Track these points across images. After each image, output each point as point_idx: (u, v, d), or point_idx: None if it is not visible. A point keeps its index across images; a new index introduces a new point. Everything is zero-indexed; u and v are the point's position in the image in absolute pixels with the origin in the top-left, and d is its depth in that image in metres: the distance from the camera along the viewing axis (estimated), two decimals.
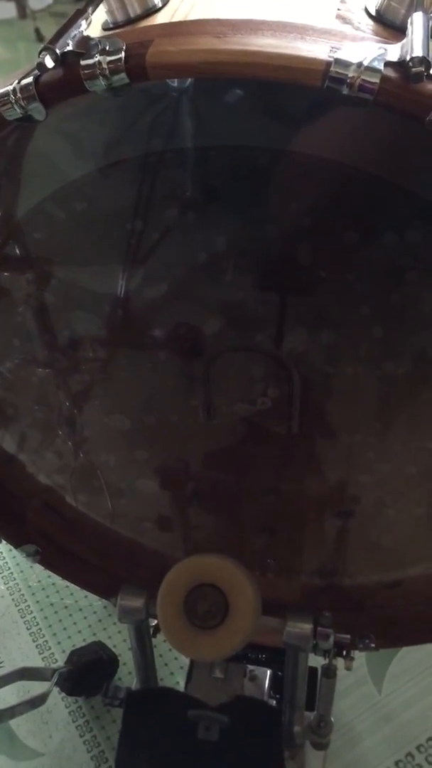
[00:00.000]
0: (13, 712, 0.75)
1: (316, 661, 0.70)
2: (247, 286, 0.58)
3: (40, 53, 0.41)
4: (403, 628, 0.69)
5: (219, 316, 0.59)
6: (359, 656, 0.95)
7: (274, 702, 0.79)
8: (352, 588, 0.72)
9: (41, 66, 0.41)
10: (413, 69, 0.38)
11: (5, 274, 0.63)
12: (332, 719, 0.74)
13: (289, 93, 0.44)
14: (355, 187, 0.50)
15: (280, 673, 0.76)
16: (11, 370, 0.69)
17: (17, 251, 0.62)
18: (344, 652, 0.69)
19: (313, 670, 0.72)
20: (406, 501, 0.67)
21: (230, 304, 0.59)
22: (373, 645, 0.68)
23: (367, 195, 0.50)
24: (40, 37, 2.71)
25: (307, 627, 0.66)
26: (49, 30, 2.74)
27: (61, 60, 0.41)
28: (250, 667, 0.80)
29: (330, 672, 0.70)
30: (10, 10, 2.92)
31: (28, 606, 1.05)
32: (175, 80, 0.49)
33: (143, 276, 0.60)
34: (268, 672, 0.81)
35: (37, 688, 0.80)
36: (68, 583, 0.77)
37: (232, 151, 0.53)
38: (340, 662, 0.69)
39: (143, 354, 0.64)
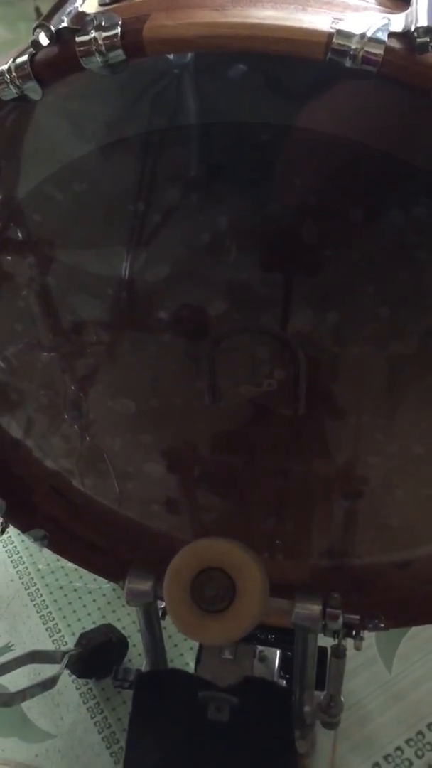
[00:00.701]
0: (24, 694, 0.76)
1: (326, 640, 0.70)
2: (252, 266, 0.57)
3: (34, 30, 0.40)
4: (412, 608, 0.69)
5: (223, 297, 0.59)
6: (369, 636, 0.95)
7: (284, 682, 0.79)
8: (362, 569, 0.72)
9: (36, 44, 0.40)
10: (418, 39, 0.37)
11: (7, 257, 0.63)
12: (342, 699, 0.74)
13: (293, 67, 0.43)
14: (360, 163, 0.49)
15: (289, 653, 0.76)
16: (15, 355, 0.69)
17: (19, 234, 0.61)
18: (354, 633, 0.69)
19: (322, 650, 0.72)
20: (414, 481, 0.66)
21: (234, 284, 0.58)
22: (382, 625, 0.68)
23: (372, 171, 0.49)
24: (40, 16, 2.67)
25: (316, 608, 0.65)
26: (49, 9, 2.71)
27: (56, 37, 0.40)
28: (260, 647, 0.80)
29: (339, 652, 0.70)
30: None
31: (38, 589, 1.06)
32: (175, 55, 0.48)
33: (145, 258, 0.59)
34: (278, 652, 0.82)
35: (47, 670, 0.81)
36: (77, 567, 0.77)
37: (235, 128, 0.51)
38: (350, 642, 0.69)
39: (147, 337, 0.64)
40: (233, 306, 0.59)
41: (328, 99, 0.47)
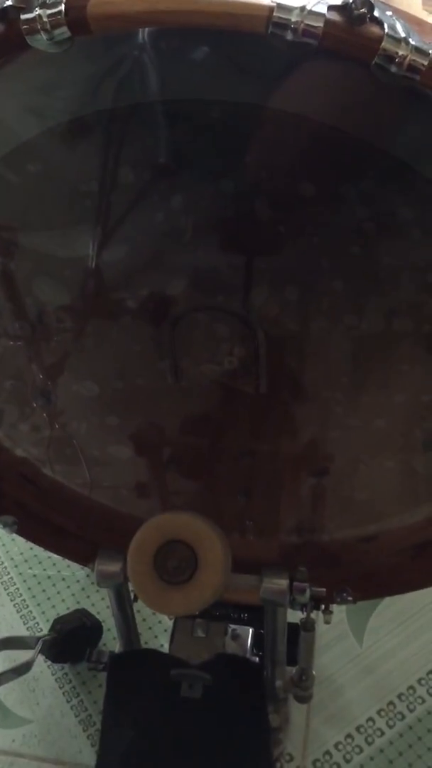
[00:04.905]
0: None
1: (299, 617, 0.71)
2: (209, 246, 0.57)
3: None
4: (379, 580, 0.70)
5: (181, 277, 0.59)
6: (339, 611, 0.97)
7: (257, 660, 0.80)
8: (330, 544, 0.73)
9: None
10: (356, 11, 0.37)
11: None
12: (314, 672, 0.75)
13: (255, 50, 0.43)
14: (312, 139, 0.50)
15: (262, 631, 0.77)
16: None
17: None
18: (322, 606, 0.70)
19: (294, 627, 0.73)
20: (378, 455, 0.67)
21: (192, 264, 0.58)
22: (350, 598, 0.69)
23: (324, 147, 0.50)
24: None
25: (283, 582, 0.67)
26: None
27: (1, 15, 0.40)
28: (233, 626, 0.81)
29: (308, 625, 0.71)
30: None
31: (12, 578, 1.06)
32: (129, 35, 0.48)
33: (106, 240, 0.59)
34: (251, 630, 0.83)
35: (23, 657, 0.81)
36: (50, 554, 0.78)
37: (193, 107, 0.52)
38: (321, 618, 0.70)
39: (109, 320, 0.64)
40: (191, 286, 0.60)
41: (282, 77, 0.48)
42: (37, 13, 0.40)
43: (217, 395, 0.67)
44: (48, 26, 0.40)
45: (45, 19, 0.40)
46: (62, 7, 0.39)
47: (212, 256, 0.57)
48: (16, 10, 0.40)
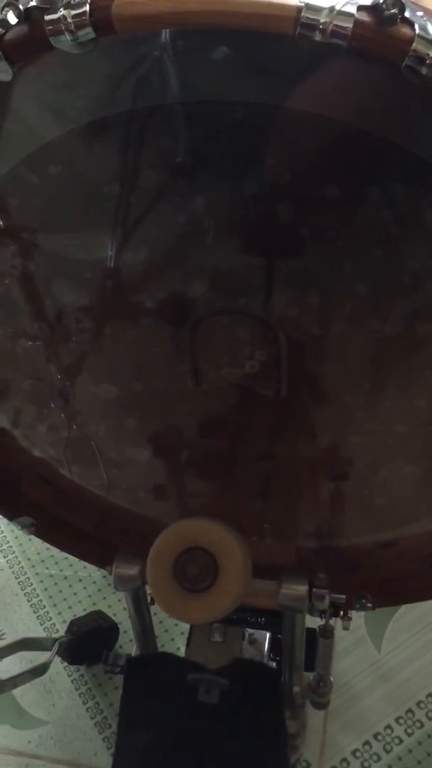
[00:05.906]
0: (15, 682, 0.77)
1: (316, 622, 0.70)
2: (230, 248, 0.57)
3: (2, 9, 0.40)
4: (399, 587, 0.70)
5: (202, 279, 0.58)
6: (358, 617, 0.96)
7: (274, 664, 0.79)
8: (348, 549, 0.73)
9: (4, 23, 0.40)
10: (386, 12, 0.37)
11: None
12: (332, 679, 0.75)
13: (272, 47, 0.43)
14: (335, 140, 0.49)
15: (279, 636, 0.77)
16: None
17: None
18: (341, 613, 0.69)
19: (312, 632, 0.73)
20: (398, 460, 0.67)
21: (213, 266, 0.58)
22: (369, 605, 0.69)
23: (347, 148, 0.49)
24: None
25: (302, 588, 0.66)
26: None
27: (25, 16, 0.40)
28: (250, 630, 0.80)
29: (327, 632, 0.70)
30: None
31: (28, 578, 1.06)
32: (151, 36, 0.48)
33: (127, 242, 0.59)
34: (268, 635, 0.82)
35: (39, 658, 0.81)
36: (67, 555, 0.78)
37: (216, 108, 0.51)
38: (339, 624, 0.70)
39: (129, 321, 0.64)
40: (212, 288, 0.59)
41: (307, 78, 0.47)
42: (61, 13, 0.39)
43: (236, 398, 0.67)
44: (72, 27, 0.39)
45: (69, 20, 0.39)
46: (87, 7, 0.39)
47: (234, 258, 0.57)
48: (40, 10, 0.40)
